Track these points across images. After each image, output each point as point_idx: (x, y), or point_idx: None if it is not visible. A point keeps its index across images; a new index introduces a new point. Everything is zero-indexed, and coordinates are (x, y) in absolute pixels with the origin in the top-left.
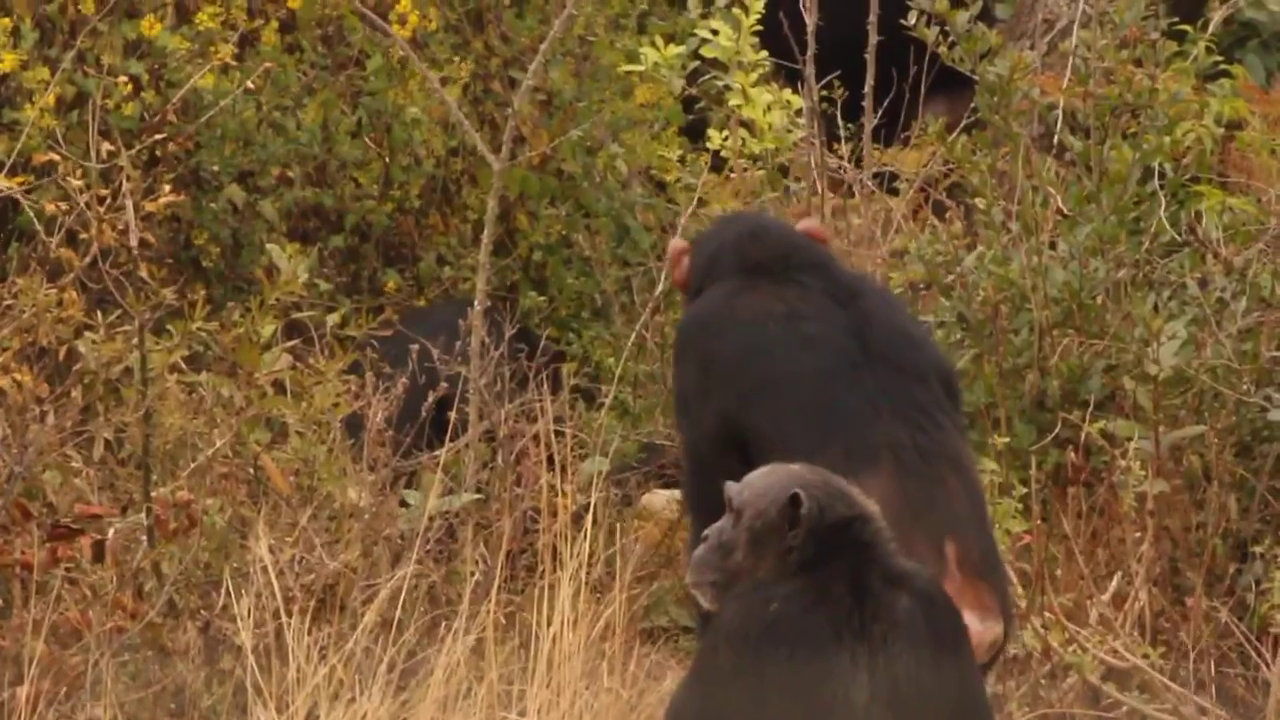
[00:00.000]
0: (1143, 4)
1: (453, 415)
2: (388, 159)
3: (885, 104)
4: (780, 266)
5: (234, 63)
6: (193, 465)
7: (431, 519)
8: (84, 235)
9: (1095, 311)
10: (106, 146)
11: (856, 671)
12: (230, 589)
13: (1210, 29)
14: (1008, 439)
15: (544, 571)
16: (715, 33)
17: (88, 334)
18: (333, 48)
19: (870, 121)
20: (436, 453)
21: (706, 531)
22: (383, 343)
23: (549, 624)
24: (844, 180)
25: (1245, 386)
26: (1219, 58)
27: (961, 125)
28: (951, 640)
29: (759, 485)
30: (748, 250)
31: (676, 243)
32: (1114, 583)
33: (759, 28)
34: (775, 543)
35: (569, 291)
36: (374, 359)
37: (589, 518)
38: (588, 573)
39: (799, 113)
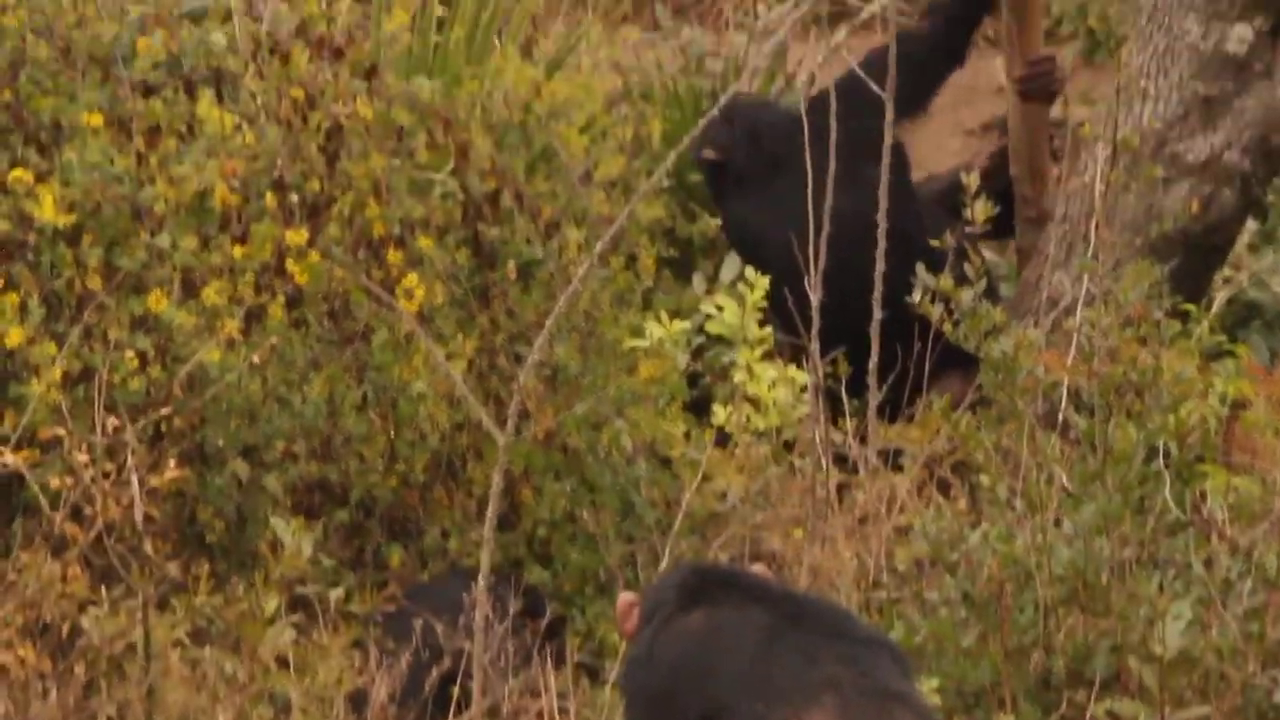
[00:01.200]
0: (1146, 283)
1: (456, 690)
2: (393, 434)
3: (890, 381)
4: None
5: (240, 337)
6: None
7: None
8: (89, 510)
9: (1100, 590)
10: (112, 421)
11: None
12: None
13: (1214, 309)
14: (1013, 718)
15: None
16: (720, 309)
17: (91, 609)
18: (339, 322)
19: (875, 398)
20: None
21: None
22: (386, 617)
23: None
24: (849, 457)
25: (1252, 668)
26: (1223, 338)
27: (966, 402)
28: None
29: None
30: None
31: (625, 596)
32: None
33: (764, 304)
34: None
35: (573, 567)
36: (377, 634)
37: None
38: None
39: (804, 389)
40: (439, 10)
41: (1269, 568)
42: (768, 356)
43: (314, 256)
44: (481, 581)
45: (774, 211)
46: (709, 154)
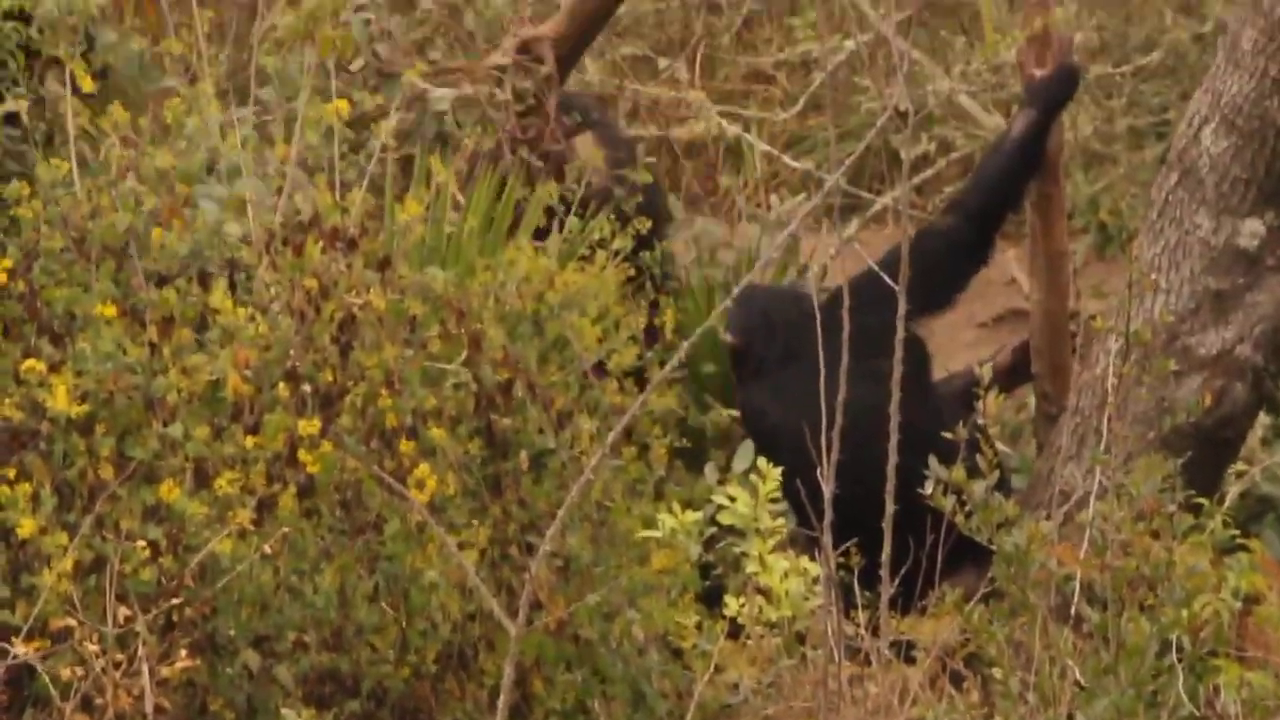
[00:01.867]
0: (1159, 477)
1: None
2: (405, 624)
3: (903, 573)
4: None
5: (252, 527)
6: None
7: None
8: (99, 701)
9: None
10: (123, 611)
11: None
12: None
13: (1227, 503)
14: None
15: None
16: (733, 499)
17: None
18: (351, 512)
19: (887, 590)
20: None
21: None
22: None
23: None
24: (861, 648)
25: None
26: (1236, 532)
27: (979, 595)
28: None
29: None
30: None
31: None
32: None
33: (776, 494)
34: None
35: None
36: None
37: None
38: None
39: (816, 580)
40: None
41: None
42: (780, 548)
43: (326, 446)
44: None
45: (788, 400)
46: (728, 338)
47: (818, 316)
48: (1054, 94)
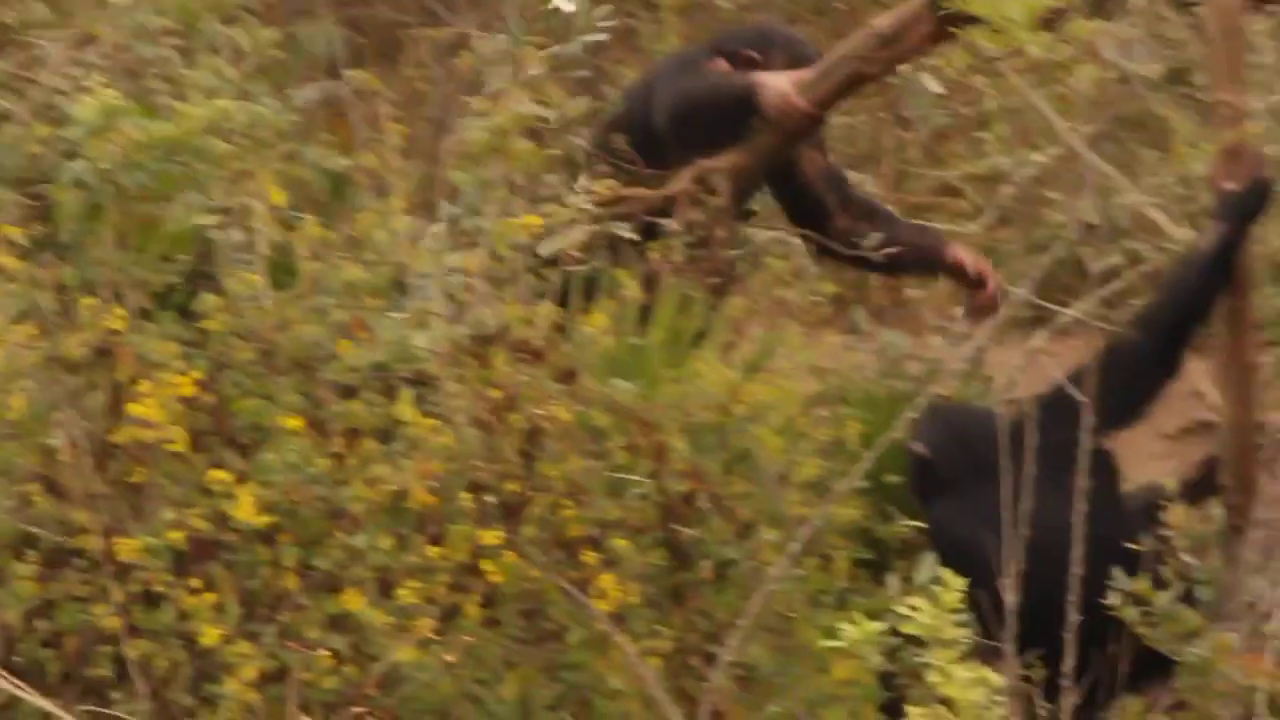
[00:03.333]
0: None
1: None
2: None
3: (1086, 684)
4: None
5: (435, 637)
6: None
7: None
8: None
9: None
10: None
11: None
12: None
13: None
14: None
15: None
16: (915, 609)
17: None
18: (533, 621)
19: (1070, 699)
20: None
21: None
22: None
23: None
24: None
25: None
26: None
27: (1163, 705)
28: None
29: None
30: None
31: None
32: None
33: (959, 604)
34: None
35: None
36: None
37: None
38: None
39: (999, 691)
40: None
41: None
42: (963, 658)
43: (510, 556)
44: None
45: (976, 516)
46: (917, 449)
47: (1007, 432)
48: (1245, 208)
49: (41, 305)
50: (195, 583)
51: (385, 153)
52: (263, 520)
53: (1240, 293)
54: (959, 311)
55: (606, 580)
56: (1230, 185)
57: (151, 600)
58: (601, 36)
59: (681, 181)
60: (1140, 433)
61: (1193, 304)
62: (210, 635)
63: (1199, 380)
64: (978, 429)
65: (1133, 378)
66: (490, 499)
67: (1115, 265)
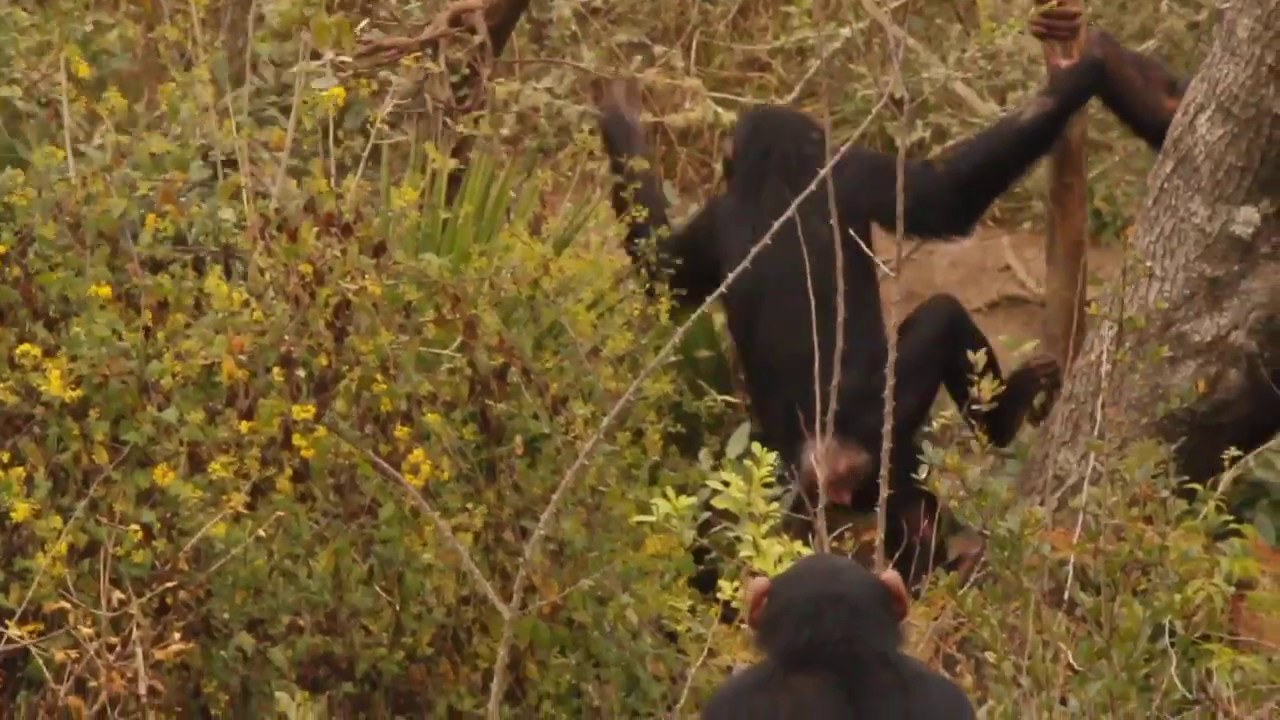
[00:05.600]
0: (1152, 462)
1: None
2: (398, 607)
3: (896, 556)
4: (822, 654)
5: (246, 511)
6: None
7: None
8: (93, 683)
9: None
10: (117, 595)
11: None
12: None
13: (1220, 488)
14: None
15: None
16: (726, 484)
17: None
18: (345, 496)
19: (882, 569)
20: None
21: None
22: None
23: None
24: None
25: None
26: (1229, 517)
27: (972, 580)
28: None
29: None
30: (803, 627)
31: (759, 582)
32: None
33: (770, 479)
34: None
35: None
36: None
37: None
38: None
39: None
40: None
41: None
42: (774, 532)
43: (321, 431)
44: None
45: (743, 222)
46: (725, 147)
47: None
48: (1075, 86)
49: None
50: (4, 457)
51: (189, 25)
52: (72, 394)
53: (1072, 169)
54: None
55: (418, 455)
56: (1064, 62)
57: None
58: None
59: (439, 24)
60: None
61: (999, 168)
62: (20, 510)
63: (1009, 255)
64: (788, 144)
65: (924, 199)
66: (301, 373)
67: (922, 139)
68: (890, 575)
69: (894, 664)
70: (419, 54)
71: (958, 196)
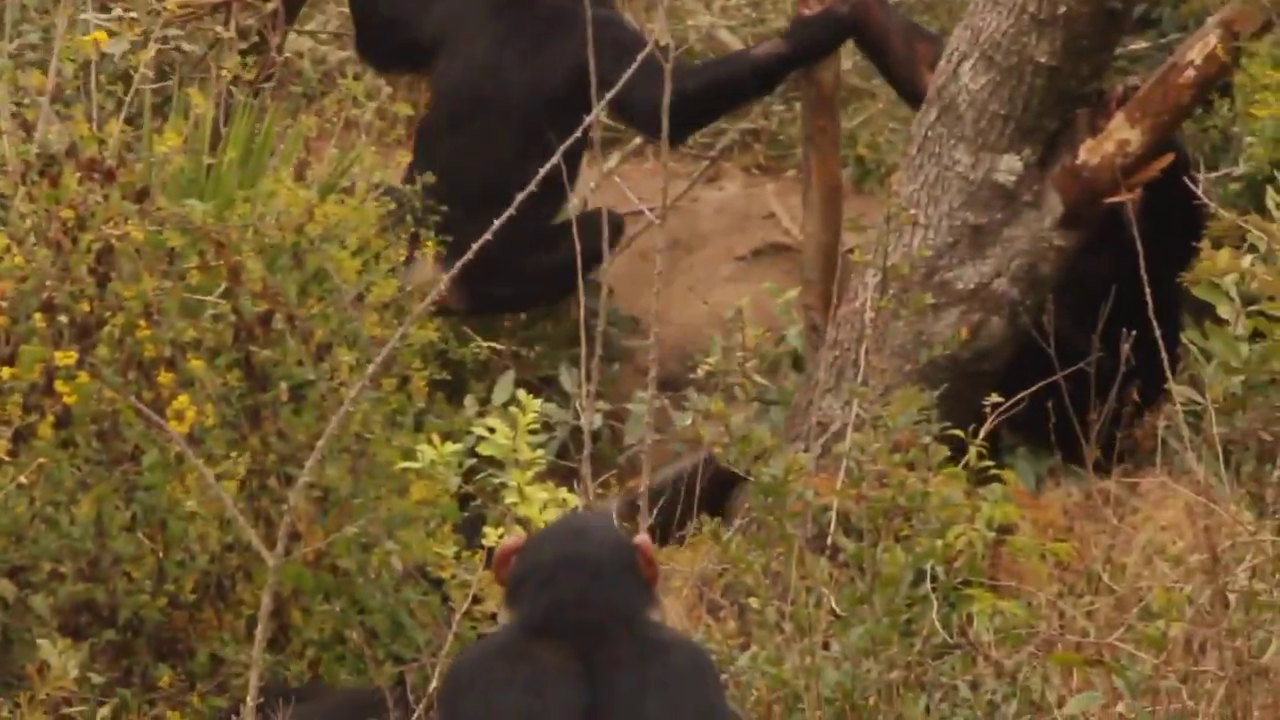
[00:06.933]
0: (915, 409)
1: None
2: (161, 554)
3: (660, 503)
4: (562, 620)
5: (7, 458)
6: None
7: None
8: None
9: (868, 712)
10: None
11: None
12: None
13: (981, 435)
14: None
15: None
16: (492, 431)
17: None
18: (108, 443)
19: (645, 521)
20: None
21: None
22: None
23: None
24: None
25: None
26: (990, 463)
27: (736, 525)
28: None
29: None
30: (543, 591)
31: (510, 541)
32: None
33: (536, 426)
34: None
35: (342, 688)
36: None
37: None
38: None
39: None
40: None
41: (1033, 690)
42: (539, 478)
43: (83, 377)
44: (250, 702)
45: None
46: None
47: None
48: (811, 37)
49: None
50: None
51: None
52: None
53: (826, 114)
54: None
55: (182, 401)
56: (808, 11)
57: None
58: None
59: None
60: (714, 255)
61: (718, 95)
62: None
63: (773, 203)
64: None
65: (643, 90)
66: (63, 319)
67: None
68: (641, 538)
69: (636, 631)
70: (207, 16)
71: (673, 106)
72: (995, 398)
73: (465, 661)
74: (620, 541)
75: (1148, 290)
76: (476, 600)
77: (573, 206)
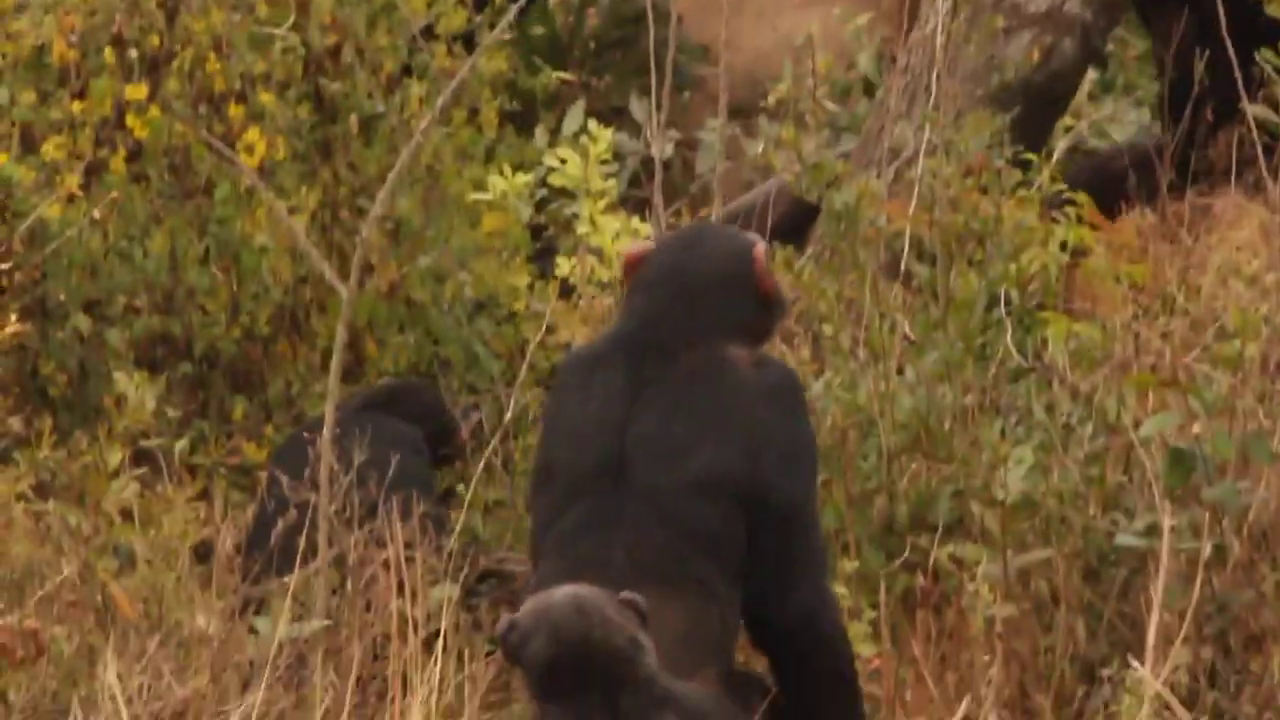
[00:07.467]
0: (987, 133)
1: (302, 541)
2: (236, 287)
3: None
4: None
5: (81, 193)
6: (40, 593)
7: (281, 646)
8: None
9: (943, 437)
10: None
11: None
12: (79, 717)
13: (1055, 158)
14: (856, 563)
15: (394, 698)
16: (563, 161)
17: None
18: (180, 177)
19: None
20: (286, 579)
21: None
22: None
23: None
24: None
25: (1092, 511)
26: (1063, 186)
27: (809, 253)
28: None
29: None
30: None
31: (636, 246)
32: (963, 706)
33: (607, 156)
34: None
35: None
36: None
37: (439, 644)
38: (438, 698)
39: (647, 240)
40: None
41: (1109, 412)
42: (611, 208)
43: (154, 111)
44: (326, 434)
45: None
46: None
47: None
48: None
49: None
50: None
51: None
52: None
53: None
54: None
55: (252, 134)
56: None
57: None
58: None
59: None
60: None
61: None
62: None
63: None
64: None
65: None
66: (133, 53)
67: None
68: (758, 246)
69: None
70: None
71: None
72: (1068, 120)
73: (573, 360)
74: (738, 249)
75: (1221, 9)
76: (549, 330)
77: None
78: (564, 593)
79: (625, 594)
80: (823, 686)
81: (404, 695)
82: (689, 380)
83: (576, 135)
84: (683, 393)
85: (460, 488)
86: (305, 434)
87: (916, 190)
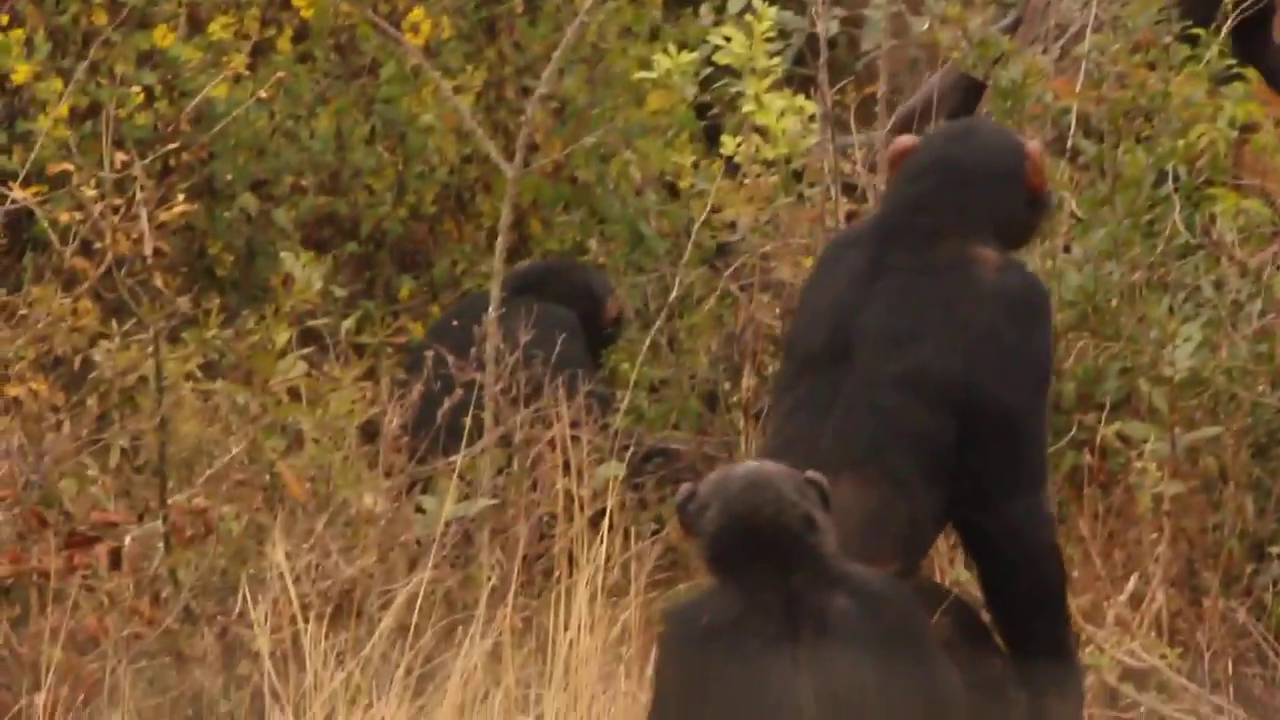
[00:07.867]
0: (1155, 9)
1: (468, 421)
2: (401, 167)
3: (899, 112)
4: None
5: (247, 72)
6: (209, 472)
7: (447, 525)
8: (98, 245)
9: (1110, 314)
10: (120, 156)
11: (796, 675)
12: (247, 595)
13: (1223, 33)
14: None
15: (560, 576)
16: (728, 39)
17: (103, 343)
18: (346, 56)
19: (884, 126)
20: (453, 459)
21: None
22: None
23: (565, 628)
24: (857, 185)
25: (1261, 388)
26: (1232, 61)
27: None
28: (903, 637)
29: None
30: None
31: (904, 139)
32: (1131, 584)
33: (772, 34)
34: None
35: None
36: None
37: (605, 522)
38: (604, 577)
39: (812, 118)
40: None
41: (1278, 289)
42: (776, 86)
43: None
44: (492, 312)
45: None
46: None
47: None
48: None
49: None
50: (3, 19)
51: None
52: None
53: None
54: None
55: (418, 14)
56: None
57: None
58: None
59: None
60: None
61: None
62: (21, 72)
63: None
64: None
65: None
66: None
67: None
68: (1032, 145)
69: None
70: None
71: None
72: None
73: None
74: (1012, 145)
75: None
76: (715, 209)
77: None
78: (745, 467)
79: (810, 473)
80: (1029, 601)
81: (570, 574)
82: (926, 273)
83: (741, 13)
84: (917, 285)
85: (625, 366)
86: (456, 316)
87: (1084, 66)
